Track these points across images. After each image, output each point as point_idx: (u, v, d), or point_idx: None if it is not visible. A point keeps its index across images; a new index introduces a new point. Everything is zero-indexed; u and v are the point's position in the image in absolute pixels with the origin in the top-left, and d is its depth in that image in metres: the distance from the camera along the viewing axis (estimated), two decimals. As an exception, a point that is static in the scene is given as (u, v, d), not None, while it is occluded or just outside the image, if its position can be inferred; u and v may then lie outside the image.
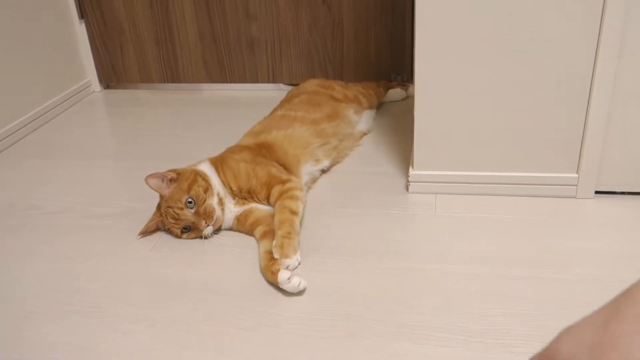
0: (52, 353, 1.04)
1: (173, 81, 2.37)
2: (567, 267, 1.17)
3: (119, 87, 2.48)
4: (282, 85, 2.27)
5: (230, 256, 1.29)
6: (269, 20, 2.18)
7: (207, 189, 1.33)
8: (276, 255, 1.19)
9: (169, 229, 1.35)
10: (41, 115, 2.12)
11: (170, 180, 1.34)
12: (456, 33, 1.28)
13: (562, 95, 1.30)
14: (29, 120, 2.05)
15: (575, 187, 1.39)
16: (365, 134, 1.81)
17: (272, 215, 1.32)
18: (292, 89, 1.92)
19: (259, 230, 1.32)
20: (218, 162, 1.42)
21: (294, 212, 1.29)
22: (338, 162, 1.65)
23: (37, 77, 2.13)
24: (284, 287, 1.14)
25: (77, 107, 2.29)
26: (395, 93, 2.04)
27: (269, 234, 1.29)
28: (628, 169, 1.37)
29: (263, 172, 1.39)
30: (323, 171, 1.60)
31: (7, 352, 1.06)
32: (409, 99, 2.04)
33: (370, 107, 1.88)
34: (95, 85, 2.44)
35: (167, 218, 1.32)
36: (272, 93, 1.98)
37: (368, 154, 1.70)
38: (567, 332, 0.43)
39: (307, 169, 1.52)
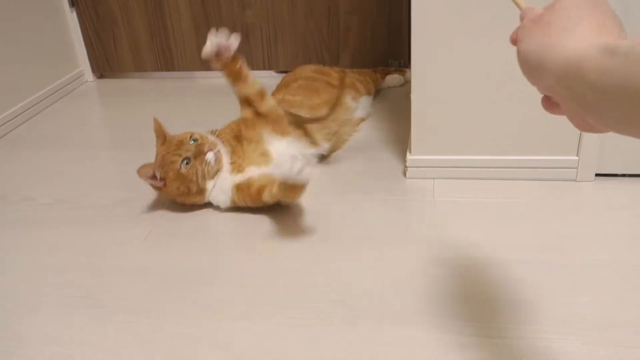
0: (46, 346, 1.03)
1: (167, 69, 2.34)
2: (569, 250, 1.15)
3: (112, 76, 2.45)
4: (273, 73, 2.24)
5: (224, 245, 1.27)
6: (263, 6, 2.15)
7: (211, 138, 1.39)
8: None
9: (164, 177, 1.34)
10: (33, 106, 2.09)
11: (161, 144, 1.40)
12: (452, 16, 1.25)
13: (562, 76, 1.28)
14: (20, 111, 2.03)
15: (576, 169, 1.37)
16: (363, 120, 1.78)
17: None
18: (286, 75, 1.89)
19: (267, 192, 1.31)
20: (218, 132, 1.46)
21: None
22: (338, 148, 1.63)
23: (28, 67, 2.10)
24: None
25: (70, 97, 2.26)
26: (394, 79, 2.02)
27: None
28: (628, 151, 1.35)
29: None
30: (323, 157, 1.58)
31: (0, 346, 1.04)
32: (407, 85, 2.01)
33: (367, 94, 1.86)
34: (88, 74, 2.41)
35: (168, 164, 1.33)
36: (267, 80, 1.96)
37: (366, 140, 1.68)
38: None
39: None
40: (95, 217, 1.42)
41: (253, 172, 1.37)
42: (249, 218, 1.35)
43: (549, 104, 0.56)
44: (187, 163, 1.32)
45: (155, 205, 1.44)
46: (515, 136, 1.36)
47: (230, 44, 1.35)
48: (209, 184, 1.36)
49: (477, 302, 1.04)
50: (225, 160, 1.39)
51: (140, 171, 1.32)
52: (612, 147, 1.34)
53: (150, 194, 1.47)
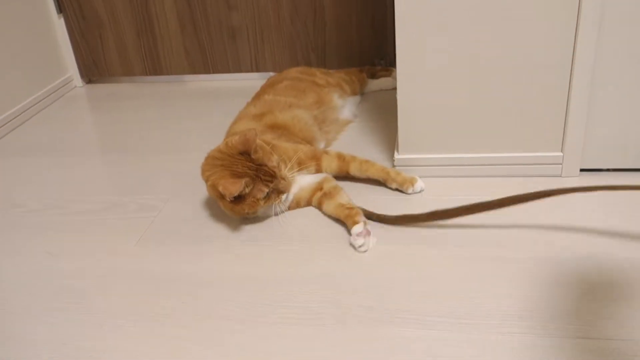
0: (36, 351, 1.03)
1: (155, 73, 2.34)
2: (555, 246, 1.17)
3: (101, 81, 2.45)
4: (261, 74, 2.25)
5: (215, 249, 1.28)
6: (249, 8, 2.15)
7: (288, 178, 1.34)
8: (406, 186, 1.37)
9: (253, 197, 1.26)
10: (22, 113, 2.09)
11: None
12: (436, 15, 1.27)
13: (544, 73, 1.29)
14: (9, 119, 2.03)
15: (561, 165, 1.39)
16: (350, 121, 1.79)
17: (315, 185, 1.38)
18: (271, 76, 1.90)
19: (316, 198, 1.37)
20: None
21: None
22: (328, 147, 1.65)
23: (17, 74, 2.10)
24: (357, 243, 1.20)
25: (59, 103, 2.26)
26: (385, 82, 2.02)
27: (328, 195, 1.35)
28: (612, 146, 1.37)
29: (305, 148, 1.42)
30: None
31: (-8, 353, 1.05)
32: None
33: (353, 94, 1.87)
34: (77, 80, 2.41)
35: (255, 190, 1.25)
36: (255, 82, 1.97)
37: (354, 140, 1.69)
38: None
39: None
40: (86, 222, 1.43)
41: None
42: (236, 223, 1.36)
43: None
44: (267, 194, 1.27)
45: (146, 210, 1.44)
46: (501, 134, 1.38)
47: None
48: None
49: (467, 298, 1.05)
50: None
51: (223, 184, 1.22)
52: (596, 142, 1.36)
53: (141, 199, 1.48)
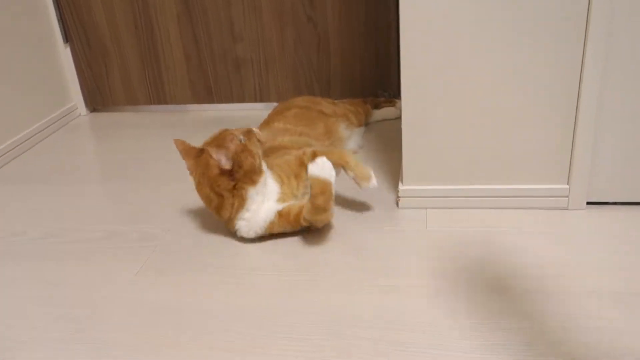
0: (33, 383, 1.01)
1: (159, 102, 2.35)
2: (561, 279, 1.15)
3: (105, 110, 2.45)
4: (265, 104, 2.26)
5: (216, 279, 1.26)
6: (254, 39, 2.17)
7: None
8: (362, 182, 1.37)
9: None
10: (25, 141, 2.09)
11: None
12: (441, 47, 1.27)
13: (550, 106, 1.29)
14: (13, 146, 2.02)
15: (567, 198, 1.37)
16: (355, 152, 1.79)
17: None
18: (279, 104, 1.90)
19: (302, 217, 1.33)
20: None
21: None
22: None
23: (22, 102, 2.10)
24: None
25: (63, 132, 2.26)
26: (388, 112, 2.02)
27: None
28: (620, 179, 1.35)
29: (292, 158, 1.44)
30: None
31: (-14, 384, 1.02)
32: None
33: (359, 125, 1.87)
34: (81, 108, 2.42)
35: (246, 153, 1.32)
36: (259, 112, 1.97)
37: (357, 171, 1.68)
38: None
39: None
40: (86, 251, 1.41)
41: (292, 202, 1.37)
42: (237, 252, 1.34)
43: None
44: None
45: (147, 239, 1.43)
46: (507, 165, 1.37)
47: None
48: (246, 214, 1.34)
49: (468, 332, 1.03)
50: (274, 189, 1.37)
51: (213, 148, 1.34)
52: (603, 175, 1.35)
53: (142, 228, 1.47)
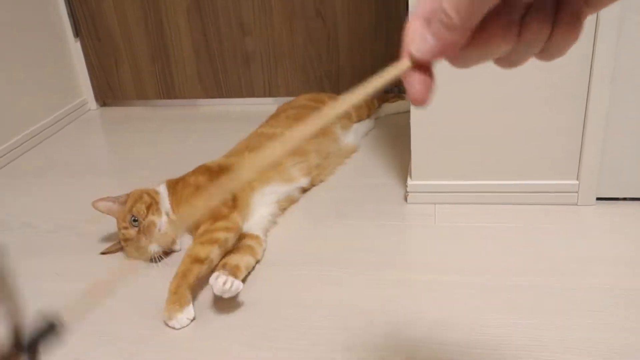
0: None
1: (169, 97, 2.36)
2: (571, 276, 1.15)
3: (115, 104, 2.47)
4: (273, 100, 2.26)
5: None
6: (263, 34, 2.17)
7: (151, 205, 1.31)
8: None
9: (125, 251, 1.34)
10: (36, 135, 2.10)
11: (122, 202, 1.34)
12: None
13: (560, 100, 1.29)
14: (23, 140, 2.04)
15: (577, 193, 1.37)
16: (354, 149, 1.77)
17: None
18: (284, 104, 1.90)
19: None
20: (172, 184, 1.41)
21: (196, 260, 1.17)
22: (322, 181, 1.60)
23: (32, 96, 2.12)
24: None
25: (73, 126, 2.28)
26: (402, 104, 2.00)
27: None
28: (629, 174, 1.35)
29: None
30: (303, 190, 1.55)
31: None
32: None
33: (360, 120, 1.85)
34: (92, 103, 2.43)
35: (121, 240, 1.32)
36: (268, 107, 1.97)
37: (366, 166, 1.69)
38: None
39: (270, 192, 1.42)
40: (97, 243, 1.42)
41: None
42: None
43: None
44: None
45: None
46: (516, 161, 1.37)
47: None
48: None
49: (478, 327, 1.03)
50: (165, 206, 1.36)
51: (96, 203, 1.34)
52: (612, 170, 1.35)
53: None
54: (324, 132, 1.64)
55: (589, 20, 1.20)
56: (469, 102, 1.32)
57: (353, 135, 1.78)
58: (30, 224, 1.55)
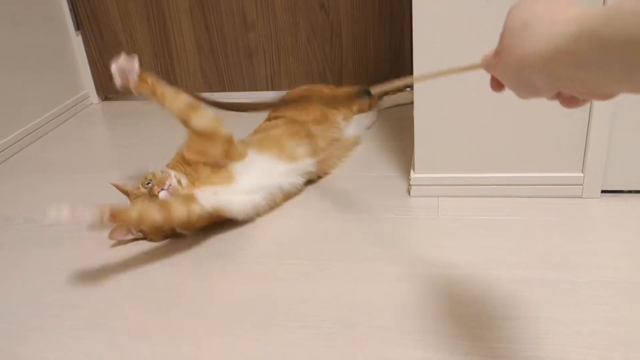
0: (45, 367, 1.01)
1: (171, 91, 2.35)
2: (575, 268, 1.14)
3: (117, 98, 2.46)
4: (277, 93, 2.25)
5: (226, 266, 1.26)
6: (266, 28, 2.16)
7: (163, 173, 1.37)
8: None
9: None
10: (38, 129, 2.10)
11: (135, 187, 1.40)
12: (454, 33, 1.25)
13: (565, 93, 1.27)
14: (25, 134, 2.03)
15: (581, 186, 1.36)
16: (357, 141, 1.76)
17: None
18: (284, 94, 1.89)
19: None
20: (178, 158, 1.49)
21: (165, 218, 1.26)
22: (327, 173, 1.60)
23: (34, 90, 2.11)
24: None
25: (75, 120, 2.27)
26: (403, 96, 1.99)
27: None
28: (634, 167, 1.34)
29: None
30: (309, 181, 1.54)
31: (-1, 367, 1.03)
32: (411, 103, 2.01)
33: (361, 111, 1.84)
34: (93, 97, 2.42)
35: (132, 200, 1.37)
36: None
37: (369, 159, 1.68)
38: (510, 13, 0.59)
39: (270, 163, 1.44)
40: (98, 238, 1.41)
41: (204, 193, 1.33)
42: (246, 240, 1.34)
43: (566, 100, 0.58)
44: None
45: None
46: (520, 153, 1.36)
47: (133, 66, 1.37)
48: None
49: (483, 320, 1.02)
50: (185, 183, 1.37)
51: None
52: (617, 163, 1.33)
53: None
54: (327, 120, 1.64)
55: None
56: (473, 95, 1.31)
57: (355, 127, 1.77)
58: (30, 217, 1.54)
